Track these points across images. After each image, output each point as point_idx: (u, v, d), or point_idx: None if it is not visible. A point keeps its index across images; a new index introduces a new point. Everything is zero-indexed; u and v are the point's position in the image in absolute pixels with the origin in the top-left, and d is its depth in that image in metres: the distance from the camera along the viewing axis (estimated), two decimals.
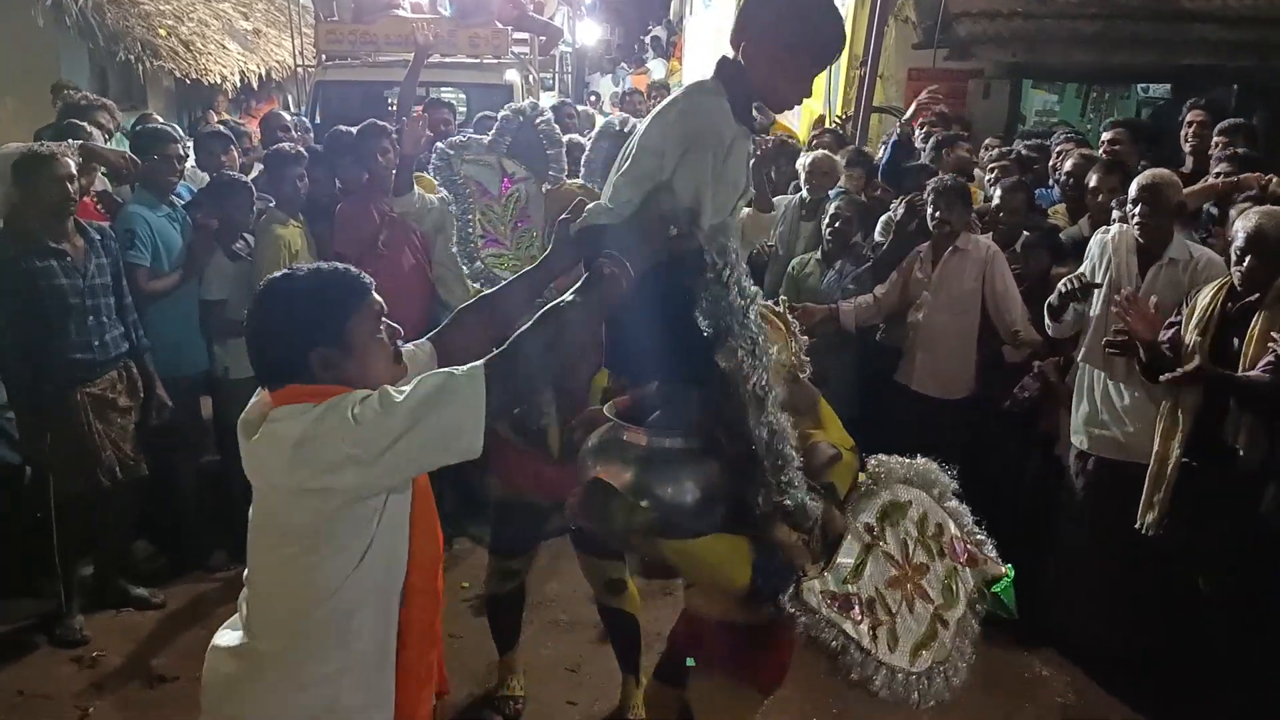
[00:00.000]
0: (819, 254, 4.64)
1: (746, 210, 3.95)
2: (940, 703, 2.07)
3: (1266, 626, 3.24)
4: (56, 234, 3.54)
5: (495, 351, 1.72)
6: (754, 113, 2.04)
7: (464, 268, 3.11)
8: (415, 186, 4.30)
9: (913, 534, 2.17)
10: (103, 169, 4.25)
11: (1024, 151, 5.61)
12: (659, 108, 2.02)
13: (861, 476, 2.22)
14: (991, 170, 5.22)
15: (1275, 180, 3.86)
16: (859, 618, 2.02)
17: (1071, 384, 3.86)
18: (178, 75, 9.70)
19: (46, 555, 3.77)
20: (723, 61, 1.99)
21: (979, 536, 2.28)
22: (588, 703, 3.50)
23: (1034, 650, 3.85)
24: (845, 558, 2.07)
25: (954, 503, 2.28)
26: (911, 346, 4.36)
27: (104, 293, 3.68)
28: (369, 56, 7.47)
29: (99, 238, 3.70)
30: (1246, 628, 3.28)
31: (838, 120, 7.57)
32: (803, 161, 5.08)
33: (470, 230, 3.08)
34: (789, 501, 1.95)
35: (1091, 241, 3.82)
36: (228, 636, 1.86)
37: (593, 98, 17.52)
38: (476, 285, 3.02)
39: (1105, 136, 5.06)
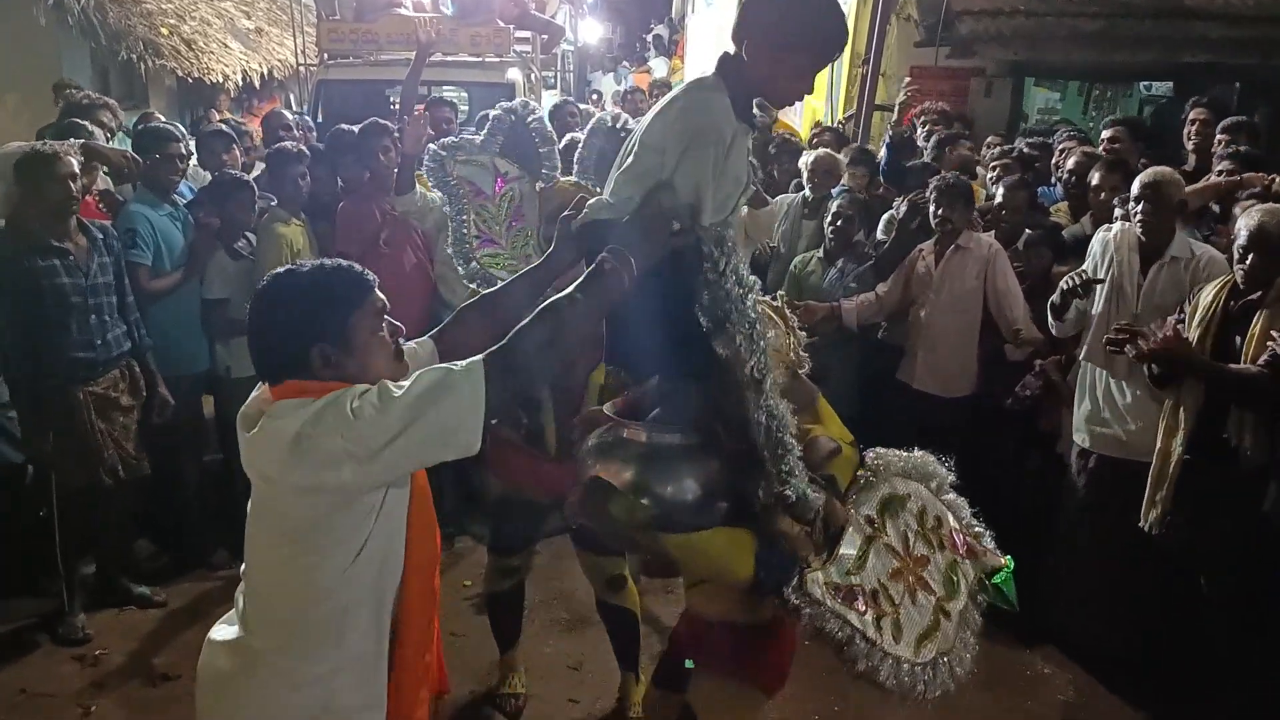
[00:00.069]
0: (821, 252, 4.64)
1: (745, 209, 3.95)
2: (945, 693, 2.07)
3: (1267, 626, 3.23)
4: (59, 233, 3.54)
5: (494, 347, 1.72)
6: (755, 110, 2.04)
7: (460, 268, 3.11)
8: (417, 185, 4.31)
9: (913, 526, 2.18)
10: (104, 168, 4.25)
11: (1026, 150, 5.60)
12: (660, 104, 2.01)
13: (860, 470, 2.22)
14: (993, 168, 5.21)
15: (1278, 180, 3.85)
16: (863, 609, 2.02)
17: (1073, 382, 3.86)
18: (180, 74, 9.70)
19: (48, 554, 3.77)
20: (724, 57, 1.98)
21: (977, 529, 2.29)
22: (589, 701, 3.50)
23: (1036, 648, 3.85)
24: (848, 549, 2.07)
25: (951, 495, 2.29)
26: (913, 345, 4.36)
27: (106, 292, 3.68)
28: (371, 55, 7.46)
29: (101, 237, 3.70)
30: (1247, 628, 3.27)
31: (840, 123, 7.57)
32: (805, 160, 5.08)
33: (465, 231, 3.08)
34: (790, 491, 1.95)
35: (1093, 240, 3.82)
36: (223, 631, 1.86)
37: (594, 96, 17.48)
38: (472, 285, 3.02)
39: (1104, 135, 5.06)
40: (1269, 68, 7.15)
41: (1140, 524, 3.36)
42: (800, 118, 9.24)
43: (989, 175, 5.26)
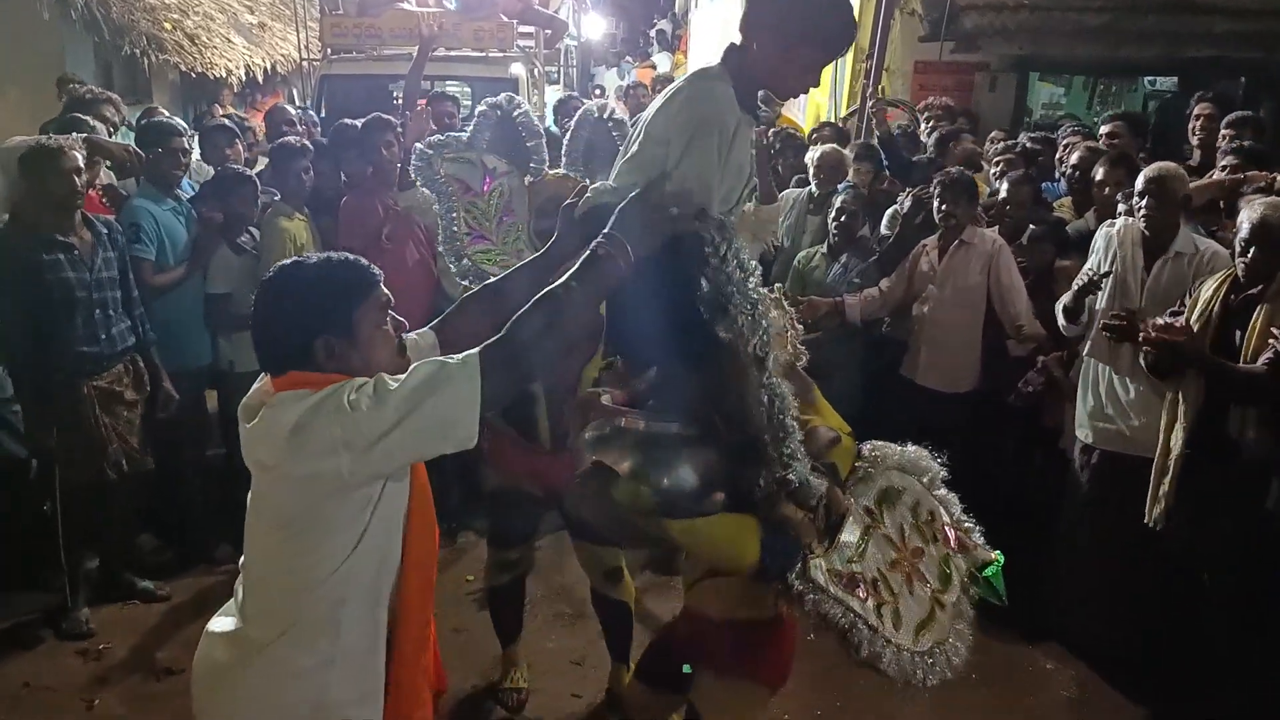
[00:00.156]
0: (825, 247, 4.63)
1: (749, 205, 3.95)
2: (942, 683, 2.10)
3: (1267, 625, 3.23)
4: (63, 227, 3.55)
5: (491, 339, 1.72)
6: (760, 104, 2.04)
7: (452, 266, 3.10)
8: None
9: (908, 519, 2.21)
10: (108, 162, 4.25)
11: (1030, 145, 5.59)
12: (664, 94, 2.01)
13: (859, 461, 2.24)
14: (997, 163, 5.19)
15: None
16: (864, 596, 2.04)
17: (1075, 378, 3.85)
18: (183, 69, 9.68)
19: (52, 548, 3.77)
20: (730, 49, 1.99)
21: (967, 524, 2.31)
22: (592, 695, 3.50)
23: (1037, 645, 3.85)
24: (849, 537, 2.09)
25: (943, 490, 2.31)
26: (916, 340, 4.36)
27: (111, 286, 3.68)
28: (374, 50, 7.45)
29: (105, 231, 3.70)
30: (1247, 626, 3.27)
31: (841, 122, 7.57)
32: (811, 155, 5.08)
33: (456, 228, 3.08)
34: (792, 476, 1.95)
35: (1097, 235, 3.81)
36: (221, 622, 1.87)
37: (598, 91, 17.43)
38: (465, 283, 3.02)
39: (1103, 130, 5.05)
40: (1274, 62, 7.13)
41: (1144, 519, 3.35)
42: (803, 113, 9.22)
43: (993, 170, 5.24)
